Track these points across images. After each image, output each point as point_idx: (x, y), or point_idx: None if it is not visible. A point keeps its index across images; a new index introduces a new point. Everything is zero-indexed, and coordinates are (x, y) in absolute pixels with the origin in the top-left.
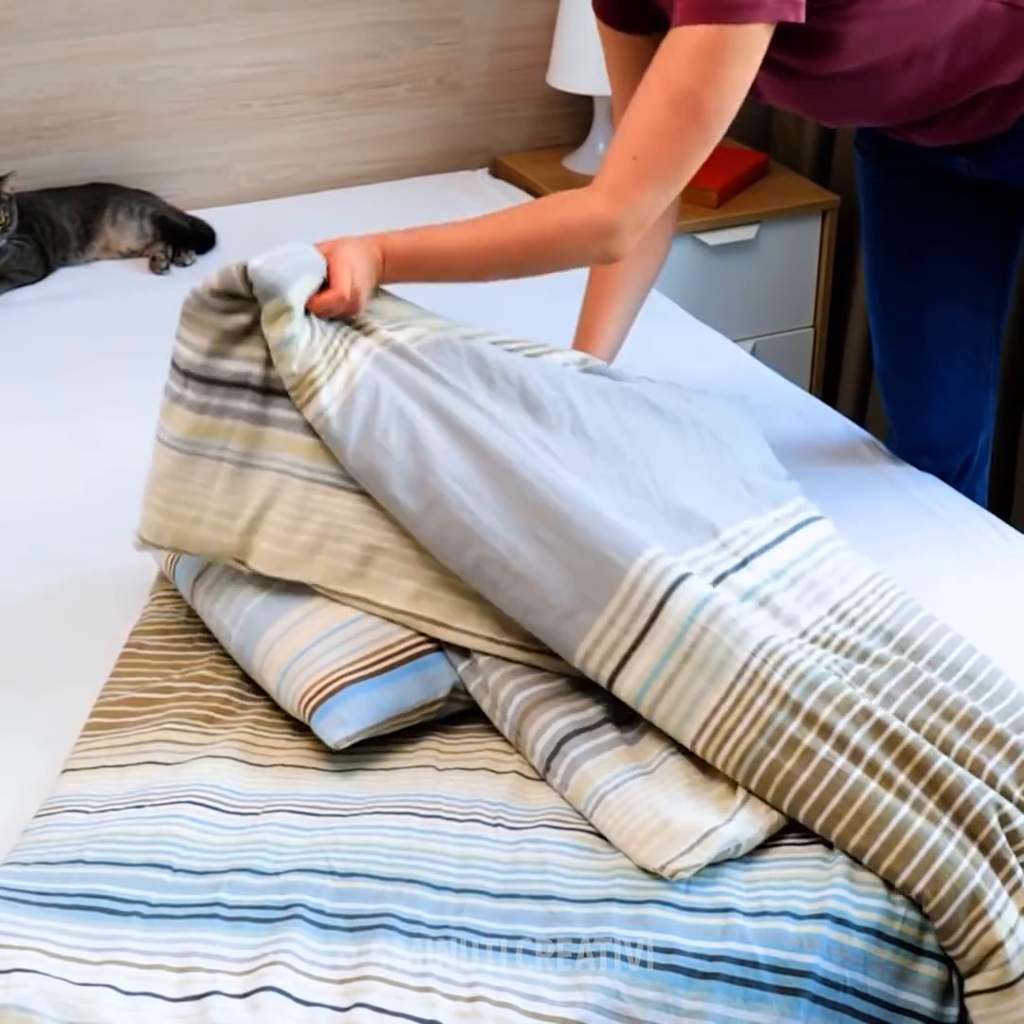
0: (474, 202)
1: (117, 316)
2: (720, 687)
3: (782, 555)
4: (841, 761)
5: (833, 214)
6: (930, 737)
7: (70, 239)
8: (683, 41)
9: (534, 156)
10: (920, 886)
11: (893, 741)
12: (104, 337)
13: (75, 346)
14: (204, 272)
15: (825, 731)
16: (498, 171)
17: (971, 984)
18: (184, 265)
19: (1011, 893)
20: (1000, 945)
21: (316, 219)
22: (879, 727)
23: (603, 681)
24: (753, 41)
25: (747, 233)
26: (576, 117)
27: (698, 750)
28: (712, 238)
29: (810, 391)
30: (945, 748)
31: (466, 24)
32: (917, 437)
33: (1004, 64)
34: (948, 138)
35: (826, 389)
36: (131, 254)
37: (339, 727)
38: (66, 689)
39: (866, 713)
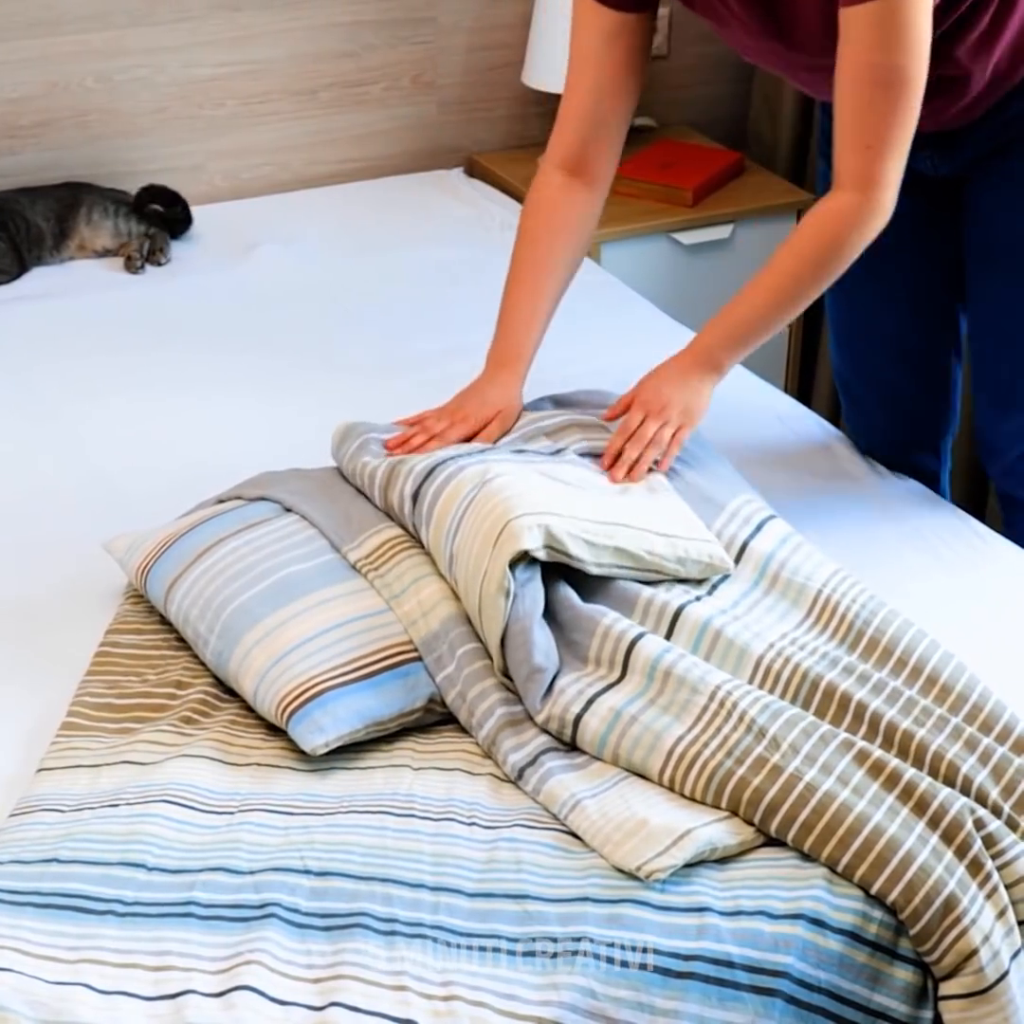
0: (449, 201)
1: (92, 315)
2: (686, 720)
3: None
4: (810, 773)
5: None
6: (904, 742)
7: (45, 238)
8: (864, 20)
9: (509, 155)
10: (894, 894)
11: (862, 755)
12: (79, 336)
13: (50, 345)
14: (180, 271)
15: (793, 749)
16: (473, 170)
17: (945, 989)
18: (159, 264)
19: (988, 897)
20: (974, 952)
21: (291, 218)
22: (847, 744)
23: (568, 723)
24: None
25: (722, 232)
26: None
27: (665, 780)
28: (687, 237)
29: (785, 391)
30: (919, 752)
31: (441, 23)
32: (874, 439)
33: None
34: (927, 125)
35: (801, 389)
36: (106, 253)
37: (316, 733)
38: (40, 688)
39: (832, 733)
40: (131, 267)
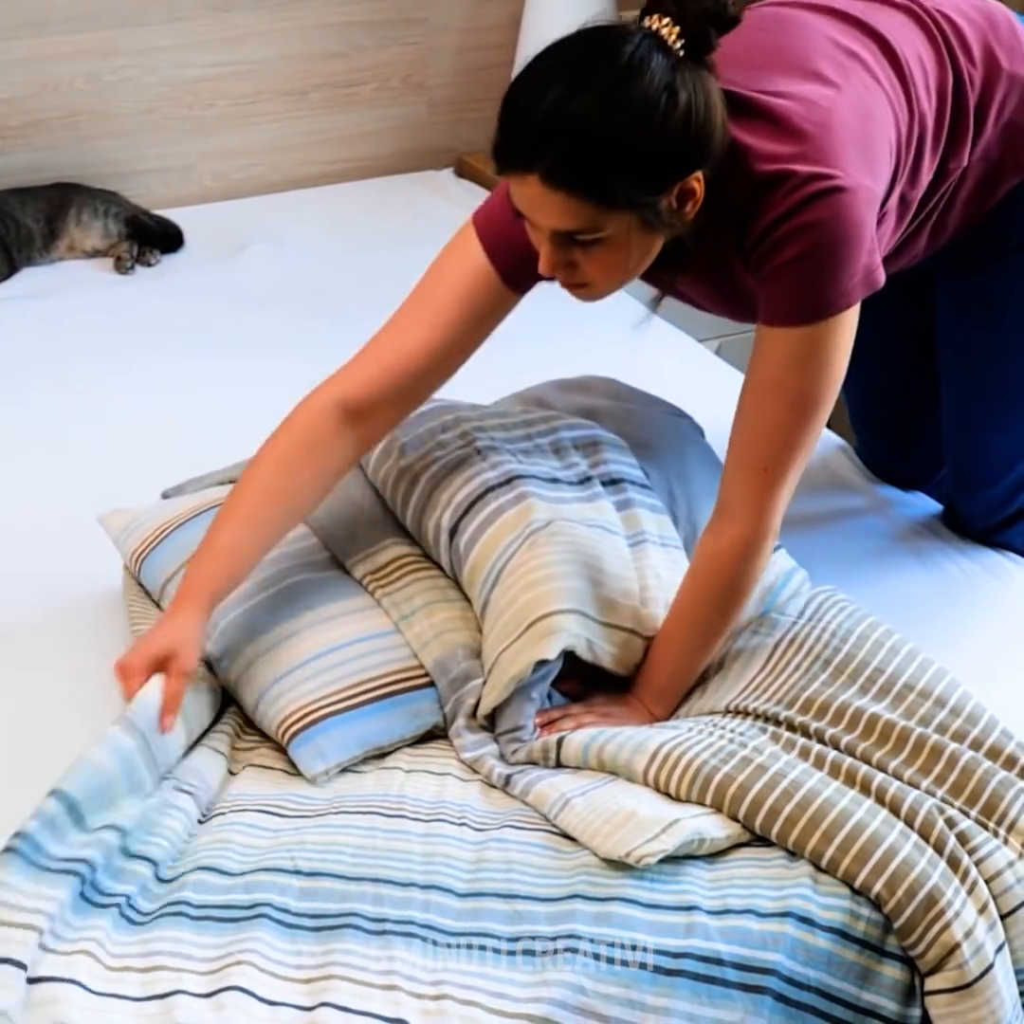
0: (439, 201)
1: (82, 315)
2: (668, 733)
3: None
4: (794, 772)
5: None
6: (865, 759)
7: (35, 238)
8: (785, 345)
9: None
10: (878, 887)
11: (835, 765)
12: (69, 336)
13: (40, 345)
14: (169, 271)
15: (773, 757)
16: (463, 171)
17: (931, 984)
18: (149, 265)
19: (969, 892)
20: (957, 946)
21: (281, 219)
22: (821, 756)
23: (551, 745)
24: (850, 321)
25: None
26: None
27: (650, 779)
28: None
29: None
30: (880, 769)
31: (431, 24)
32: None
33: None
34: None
35: None
36: (96, 253)
37: (318, 759)
38: (28, 678)
39: (807, 748)
40: (121, 268)
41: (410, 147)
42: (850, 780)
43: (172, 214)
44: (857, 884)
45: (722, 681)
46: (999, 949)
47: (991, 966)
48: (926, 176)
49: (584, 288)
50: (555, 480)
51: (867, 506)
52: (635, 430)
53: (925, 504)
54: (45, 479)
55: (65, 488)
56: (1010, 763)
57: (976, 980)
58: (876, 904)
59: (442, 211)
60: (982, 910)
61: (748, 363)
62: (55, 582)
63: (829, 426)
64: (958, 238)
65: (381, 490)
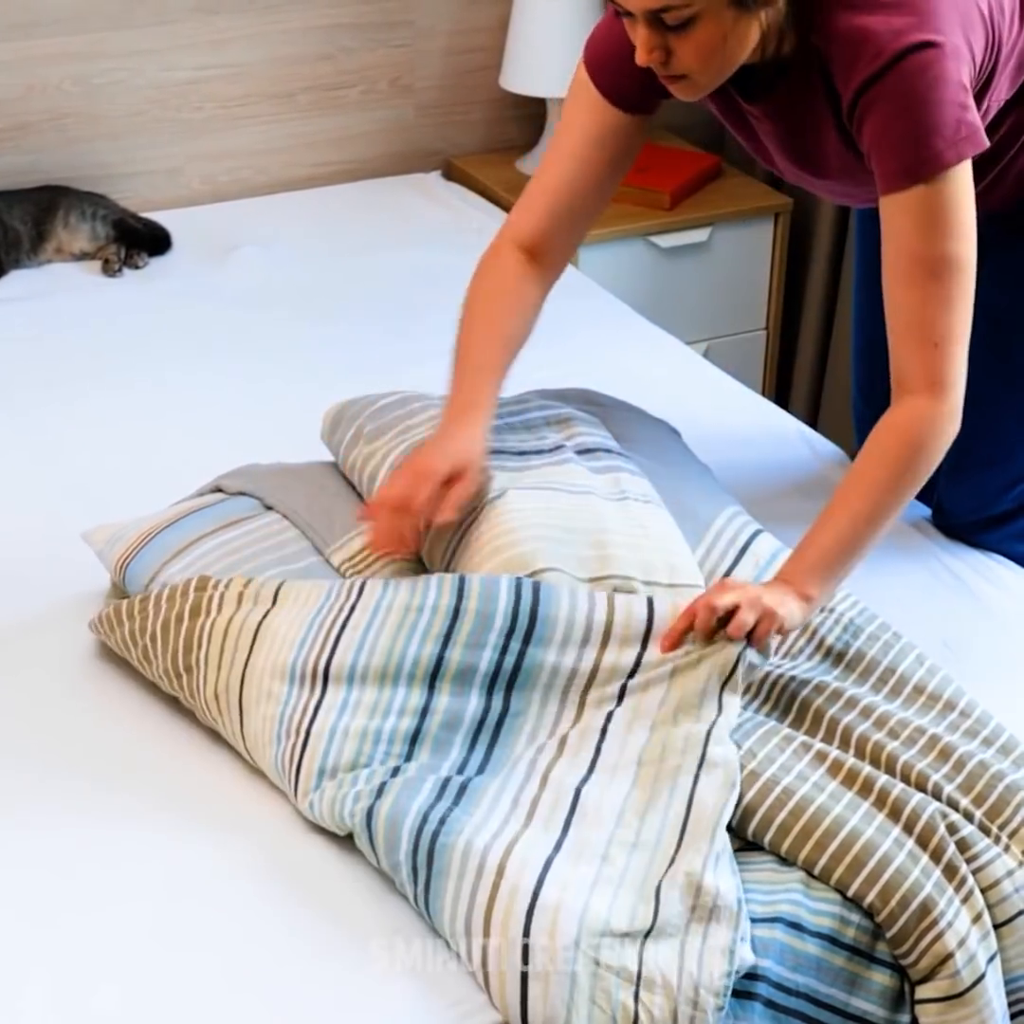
0: (427, 204)
1: (70, 318)
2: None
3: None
4: (787, 780)
5: (786, 217)
6: (874, 753)
7: (22, 241)
8: (906, 208)
9: (487, 158)
10: (871, 896)
11: (836, 765)
12: (57, 339)
13: (28, 347)
14: (157, 274)
15: (768, 759)
16: (451, 173)
17: (922, 992)
18: (137, 267)
19: (964, 901)
20: (950, 955)
21: (269, 222)
22: (822, 755)
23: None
24: (964, 175)
25: (700, 235)
26: (529, 119)
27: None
28: (664, 240)
29: (763, 394)
30: (890, 762)
31: (419, 26)
32: None
33: None
34: None
35: (778, 392)
36: (83, 256)
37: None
38: (13, 684)
39: (807, 745)
40: (109, 270)
41: (398, 150)
42: (850, 781)
43: (160, 217)
44: (850, 893)
45: None
46: (991, 959)
47: (983, 976)
48: (1005, 91)
49: (684, 81)
50: (523, 453)
51: (833, 486)
52: (612, 426)
53: (912, 508)
54: (31, 481)
55: (51, 491)
56: (1019, 764)
57: (968, 990)
58: (868, 912)
59: (430, 214)
60: (976, 920)
61: (882, 248)
62: (42, 582)
63: (828, 437)
64: (1011, 204)
65: (350, 476)
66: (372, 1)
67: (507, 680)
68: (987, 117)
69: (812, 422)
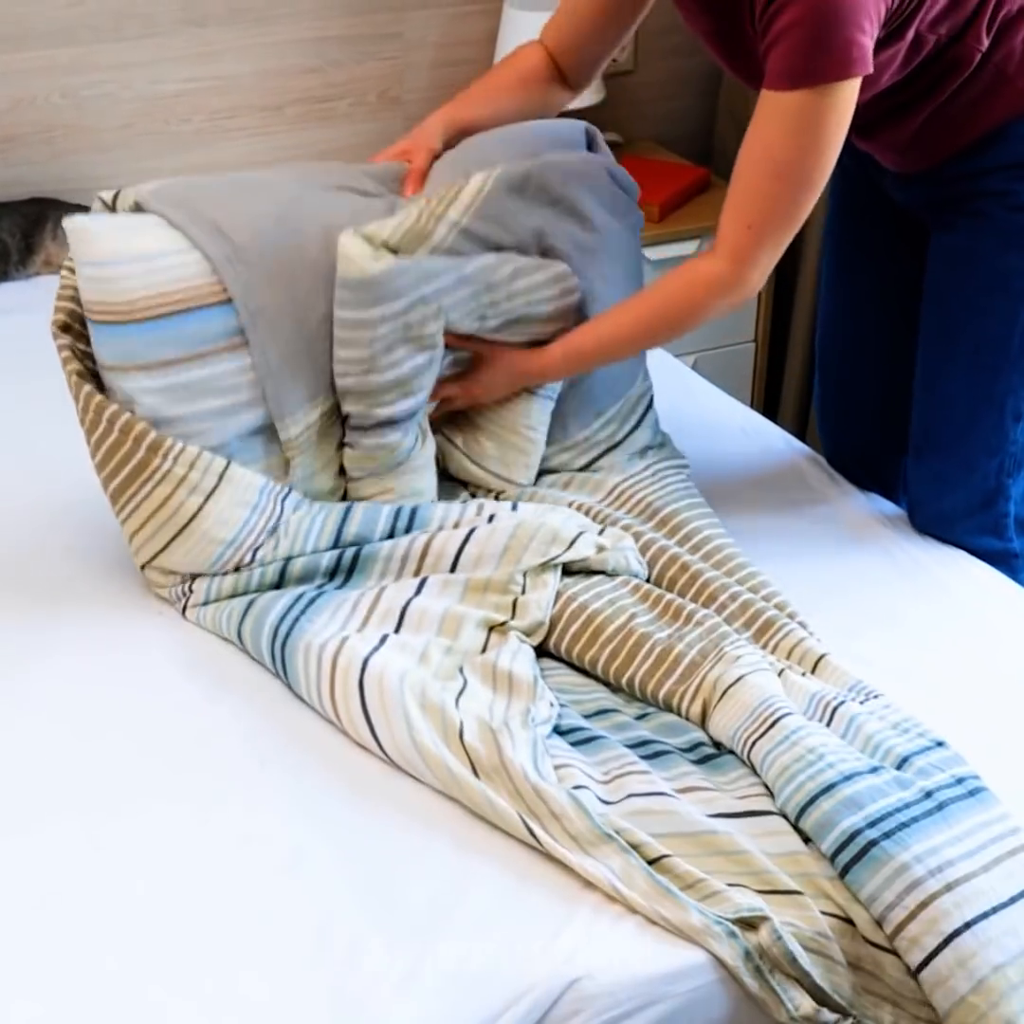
0: None
1: None
2: None
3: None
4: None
5: None
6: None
7: (11, 254)
8: (779, 108)
9: None
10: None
11: (646, 594)
12: (45, 352)
13: (17, 360)
14: None
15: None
16: None
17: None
18: None
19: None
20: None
21: None
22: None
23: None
24: (847, 97)
25: (688, 248)
26: None
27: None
28: (653, 253)
29: (751, 406)
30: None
31: (407, 39)
32: (844, 443)
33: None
34: (876, 154)
35: (767, 404)
36: None
37: None
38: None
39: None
40: None
41: None
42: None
43: None
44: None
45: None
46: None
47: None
48: (944, 28)
49: None
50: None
51: (822, 500)
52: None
53: (883, 505)
54: (17, 494)
55: (40, 504)
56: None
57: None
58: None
59: None
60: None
61: (746, 135)
62: (34, 595)
63: (817, 449)
64: (942, 155)
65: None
66: (361, 14)
67: (359, 555)
68: (922, 50)
69: (800, 434)
